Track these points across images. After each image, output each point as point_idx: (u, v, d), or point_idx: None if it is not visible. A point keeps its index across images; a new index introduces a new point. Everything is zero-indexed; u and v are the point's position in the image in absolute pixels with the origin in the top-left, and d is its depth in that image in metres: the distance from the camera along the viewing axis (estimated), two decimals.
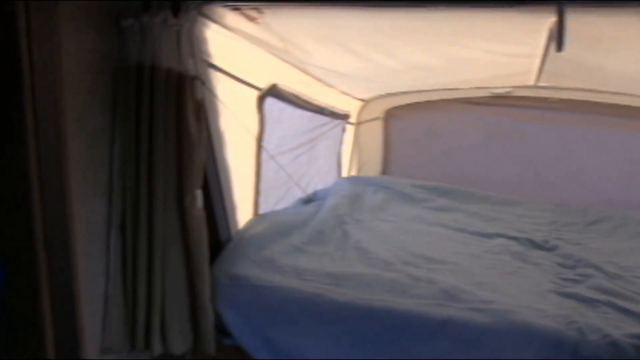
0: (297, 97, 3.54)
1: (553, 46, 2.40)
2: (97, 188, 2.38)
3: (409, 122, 4.89)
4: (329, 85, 3.91)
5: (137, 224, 2.42)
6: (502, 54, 2.92)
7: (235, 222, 2.96)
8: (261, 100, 3.16)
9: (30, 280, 2.28)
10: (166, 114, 2.39)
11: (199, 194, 2.49)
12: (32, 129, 2.12)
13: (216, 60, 2.63)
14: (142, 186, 2.40)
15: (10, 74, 2.06)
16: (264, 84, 3.15)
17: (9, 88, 2.11)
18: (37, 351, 2.33)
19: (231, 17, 2.50)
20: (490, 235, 3.38)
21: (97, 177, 2.38)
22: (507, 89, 4.20)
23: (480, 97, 4.48)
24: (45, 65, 2.06)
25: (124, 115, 2.40)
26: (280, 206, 3.65)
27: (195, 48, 2.44)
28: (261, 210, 3.32)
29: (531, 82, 3.61)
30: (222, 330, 2.59)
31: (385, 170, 5.00)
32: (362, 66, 3.30)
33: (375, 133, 4.93)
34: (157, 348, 2.47)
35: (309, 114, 3.88)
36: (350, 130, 4.71)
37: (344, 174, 4.69)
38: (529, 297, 2.52)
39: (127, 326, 2.47)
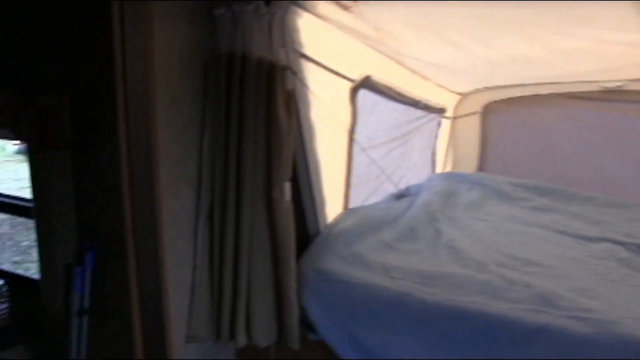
0: (390, 89, 3.44)
1: None
2: (186, 178, 2.39)
3: (508, 117, 4.68)
4: (425, 78, 3.79)
5: (225, 215, 2.42)
6: (614, 44, 2.71)
7: (323, 215, 2.91)
8: (354, 92, 3.10)
9: (120, 268, 2.32)
10: (256, 104, 2.37)
11: (287, 186, 2.45)
12: (123, 119, 2.15)
13: (308, 50, 2.58)
14: (230, 177, 2.40)
15: (103, 63, 2.09)
16: (356, 75, 3.08)
17: (102, 78, 2.15)
18: (125, 336, 2.38)
19: (324, 5, 2.44)
20: (594, 239, 3.16)
21: (185, 168, 2.39)
22: (619, 83, 3.91)
23: (588, 92, 4.21)
24: (137, 55, 2.08)
25: (214, 105, 2.39)
26: (370, 201, 3.57)
27: (287, 37, 2.40)
28: (351, 205, 3.25)
29: None
30: (307, 325, 2.54)
31: (481, 167, 4.82)
32: (460, 57, 3.16)
33: (472, 128, 4.76)
34: (241, 339, 2.46)
35: (402, 107, 3.78)
36: (445, 124, 4.56)
37: (438, 169, 4.55)
38: (636, 308, 2.31)
39: (213, 316, 2.48)
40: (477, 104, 4.69)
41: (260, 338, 2.48)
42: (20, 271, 2.87)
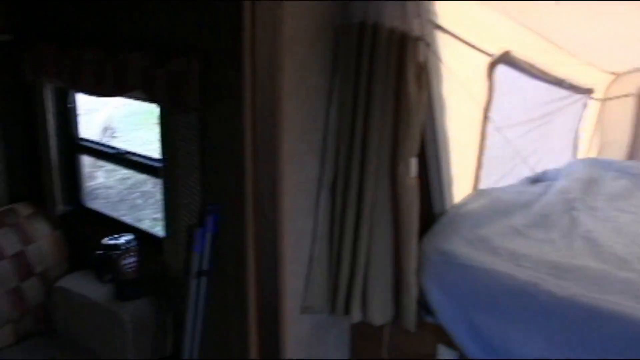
0: (532, 66, 3.22)
1: None
2: (310, 147, 2.37)
3: None
4: (572, 55, 3.51)
5: (348, 187, 2.38)
6: None
7: (450, 195, 2.78)
8: (492, 67, 2.92)
9: (239, 233, 2.35)
10: (386, 75, 2.29)
11: (413, 161, 2.37)
12: (250, 85, 2.15)
13: (444, 21, 2.45)
14: (355, 148, 2.35)
15: (231, 28, 2.10)
16: (495, 50, 2.90)
17: (230, 43, 2.15)
18: (239, 301, 2.42)
19: None
20: None
21: (311, 137, 2.37)
22: None
23: None
24: (266, 21, 2.06)
25: (343, 75, 2.34)
26: (503, 183, 3.38)
27: (422, 7, 2.29)
28: (481, 186, 3.10)
29: None
30: (424, 306, 2.46)
31: (632, 155, 4.42)
32: (617, 32, 2.89)
33: (625, 111, 4.36)
34: (356, 315, 2.43)
35: (544, 86, 3.52)
36: (593, 106, 4.22)
37: (581, 155, 4.24)
38: None
39: (329, 289, 2.46)
40: (633, 84, 4.30)
41: (375, 315, 2.43)
42: (157, 228, 3.00)
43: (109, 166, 6.75)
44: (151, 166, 2.83)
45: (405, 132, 2.32)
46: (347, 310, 2.45)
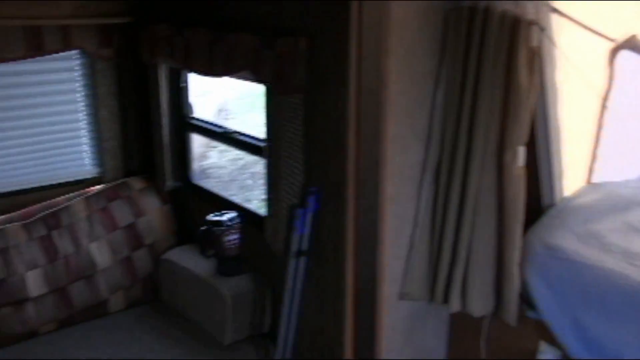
0: None
1: None
2: (415, 133, 2.33)
3: None
4: None
5: (452, 174, 2.33)
6: None
7: (560, 187, 2.66)
8: (614, 53, 2.75)
9: (339, 215, 2.36)
10: (496, 60, 2.21)
11: (521, 150, 2.28)
12: (356, 67, 2.13)
13: (561, 4, 2.33)
14: (461, 135, 2.29)
15: (339, 10, 2.09)
16: (619, 35, 2.73)
17: (337, 24, 2.14)
18: (337, 283, 2.43)
19: None
20: None
21: (415, 122, 2.33)
22: None
23: None
24: (373, 4, 2.03)
25: (451, 59, 2.29)
26: (620, 177, 3.19)
27: None
28: (595, 179, 2.94)
29: None
30: (527, 301, 2.37)
31: None
32: None
33: None
34: (455, 305, 2.38)
35: None
36: None
37: None
38: None
39: (428, 276, 2.43)
40: None
41: (474, 306, 2.37)
42: (264, 209, 3.07)
43: (222, 147, 6.97)
44: (257, 146, 2.89)
45: (514, 119, 2.23)
46: (446, 299, 2.41)
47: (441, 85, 2.32)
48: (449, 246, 2.36)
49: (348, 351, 2.51)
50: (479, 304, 2.37)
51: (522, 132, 2.25)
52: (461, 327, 2.65)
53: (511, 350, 2.49)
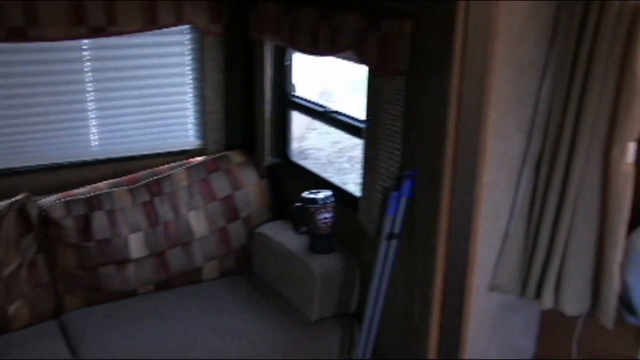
0: None
1: None
2: (518, 122, 2.27)
3: None
4: None
5: (553, 167, 2.26)
6: None
7: None
8: None
9: (433, 201, 2.34)
10: (610, 52, 2.11)
11: (631, 146, 2.17)
12: (460, 52, 2.09)
13: None
14: (566, 127, 2.21)
15: None
16: None
17: (444, 7, 2.11)
18: (427, 268, 2.41)
19: None
20: None
21: (519, 111, 2.27)
22: None
23: None
24: None
25: (561, 48, 2.20)
26: None
27: None
28: None
29: None
30: (626, 304, 2.27)
31: None
32: None
33: None
34: (547, 301, 2.32)
35: None
36: None
37: None
38: None
39: (522, 270, 2.37)
40: None
41: (568, 305, 2.30)
42: (359, 194, 3.10)
43: (321, 129, 7.05)
44: (356, 127, 2.89)
45: (625, 113, 2.12)
46: (538, 294, 2.35)
47: (548, 75, 2.25)
48: (545, 240, 2.29)
49: (433, 337, 2.49)
50: (573, 303, 2.30)
51: (633, 127, 2.14)
52: (552, 325, 2.58)
53: (606, 354, 2.40)
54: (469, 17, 2.06)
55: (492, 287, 2.40)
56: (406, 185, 2.43)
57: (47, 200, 2.98)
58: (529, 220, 2.34)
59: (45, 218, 2.92)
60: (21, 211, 2.86)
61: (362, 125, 2.74)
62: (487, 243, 2.33)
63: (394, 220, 2.47)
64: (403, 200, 2.45)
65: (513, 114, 2.26)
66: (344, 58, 2.67)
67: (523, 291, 2.39)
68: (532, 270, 2.33)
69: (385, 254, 2.52)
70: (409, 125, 2.45)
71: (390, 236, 2.49)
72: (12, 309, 2.82)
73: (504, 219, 2.35)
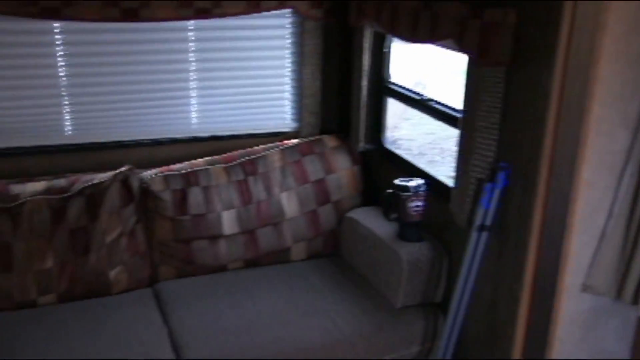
0: None
1: None
2: (624, 118, 2.17)
3: None
4: None
5: None
6: None
7: None
8: None
9: (527, 195, 2.28)
10: None
11: None
12: (565, 43, 2.02)
13: None
14: None
15: None
16: None
17: None
18: (518, 262, 2.36)
19: None
20: None
21: (627, 107, 2.16)
22: None
23: None
24: None
25: None
26: None
27: None
28: None
29: None
30: None
31: None
32: None
33: None
34: None
35: None
36: None
37: None
38: None
39: (618, 271, 2.27)
40: None
41: None
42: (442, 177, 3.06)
43: (415, 119, 7.00)
44: (452, 116, 2.86)
45: None
46: (635, 299, 2.24)
47: None
48: None
49: (519, 335, 2.44)
50: None
51: None
52: None
53: None
54: (576, 6, 1.98)
55: (585, 288, 2.31)
56: (500, 177, 2.38)
57: (148, 174, 3.13)
58: (629, 221, 2.23)
59: (145, 190, 3.07)
60: (124, 182, 3.02)
61: (458, 115, 2.71)
62: (582, 241, 2.25)
63: (486, 212, 2.43)
64: (496, 192, 2.40)
65: (618, 109, 2.15)
66: (443, 46, 2.64)
67: (619, 294, 2.29)
68: (630, 273, 2.23)
69: (475, 245, 2.49)
70: (506, 117, 2.39)
71: (482, 228, 2.46)
72: (112, 274, 2.99)
73: (602, 217, 2.25)
